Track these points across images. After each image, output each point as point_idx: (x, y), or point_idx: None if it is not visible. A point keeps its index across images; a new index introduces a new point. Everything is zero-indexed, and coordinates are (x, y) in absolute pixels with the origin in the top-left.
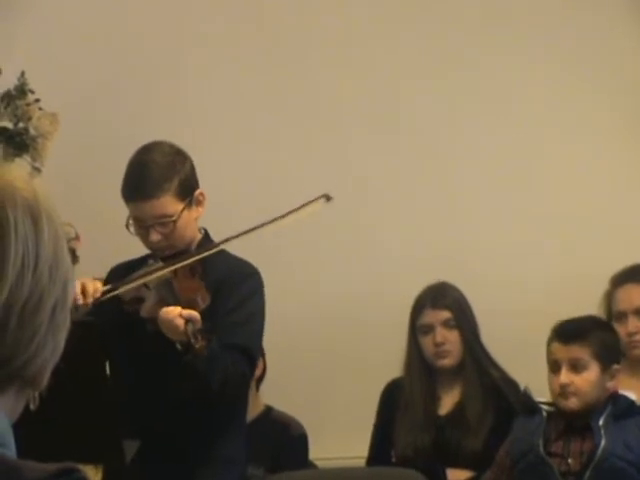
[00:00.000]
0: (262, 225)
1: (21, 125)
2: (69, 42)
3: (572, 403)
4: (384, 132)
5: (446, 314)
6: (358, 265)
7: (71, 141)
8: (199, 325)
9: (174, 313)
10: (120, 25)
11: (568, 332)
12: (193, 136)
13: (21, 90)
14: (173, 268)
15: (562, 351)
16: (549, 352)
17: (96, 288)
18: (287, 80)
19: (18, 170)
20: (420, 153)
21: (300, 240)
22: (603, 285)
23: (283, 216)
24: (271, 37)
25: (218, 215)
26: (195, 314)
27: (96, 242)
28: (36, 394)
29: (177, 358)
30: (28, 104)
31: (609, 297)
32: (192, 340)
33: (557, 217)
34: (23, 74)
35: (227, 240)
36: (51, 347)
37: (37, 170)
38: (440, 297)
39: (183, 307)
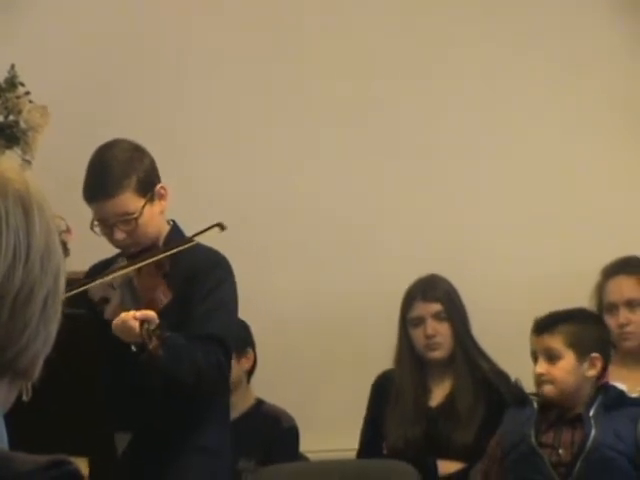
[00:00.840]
0: (156, 255)
1: (11, 118)
2: (60, 35)
3: (548, 390)
4: (382, 130)
5: (437, 306)
6: (351, 261)
7: (61, 134)
8: (154, 325)
9: (128, 316)
10: (112, 19)
11: (541, 324)
12: (185, 131)
13: (11, 83)
14: (135, 267)
15: (536, 342)
16: (530, 344)
17: None
18: (284, 81)
19: (9, 161)
20: (418, 151)
21: (292, 235)
22: (597, 275)
23: (178, 245)
24: (269, 38)
25: (213, 213)
26: (151, 314)
27: (87, 235)
28: (29, 385)
29: (134, 359)
30: (18, 97)
31: (600, 289)
32: (146, 340)
33: (552, 214)
34: (13, 67)
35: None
36: (43, 338)
37: (27, 163)
38: (430, 289)
39: (143, 306)
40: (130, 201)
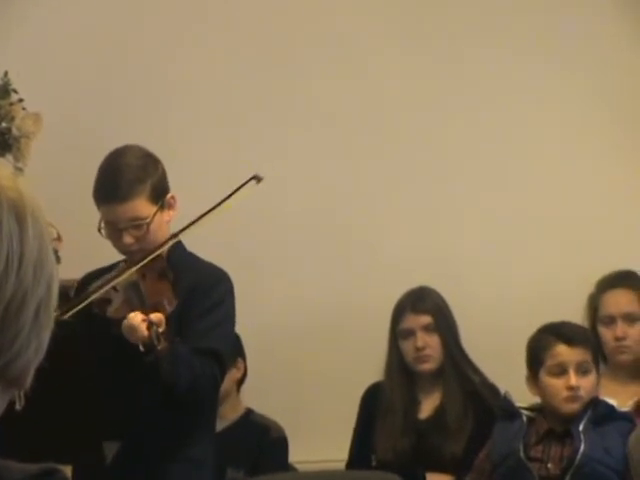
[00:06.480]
0: (203, 215)
1: (4, 125)
2: (53, 42)
3: (577, 408)
4: (376, 135)
5: (426, 319)
6: (342, 272)
7: (54, 141)
8: (162, 327)
9: (138, 318)
10: (106, 26)
11: (573, 335)
12: (177, 139)
13: (4, 90)
14: (137, 267)
15: (569, 354)
16: (552, 355)
17: None
18: (283, 81)
19: (2, 169)
20: (414, 164)
21: (284, 245)
22: (589, 291)
23: (220, 204)
24: (262, 43)
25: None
26: (160, 316)
27: (78, 243)
28: (21, 394)
29: (139, 359)
30: (11, 104)
31: (594, 301)
32: (155, 342)
33: (547, 229)
34: (6, 74)
35: (182, 231)
36: (35, 347)
37: (19, 170)
38: (420, 301)
39: (149, 309)
40: (143, 207)
